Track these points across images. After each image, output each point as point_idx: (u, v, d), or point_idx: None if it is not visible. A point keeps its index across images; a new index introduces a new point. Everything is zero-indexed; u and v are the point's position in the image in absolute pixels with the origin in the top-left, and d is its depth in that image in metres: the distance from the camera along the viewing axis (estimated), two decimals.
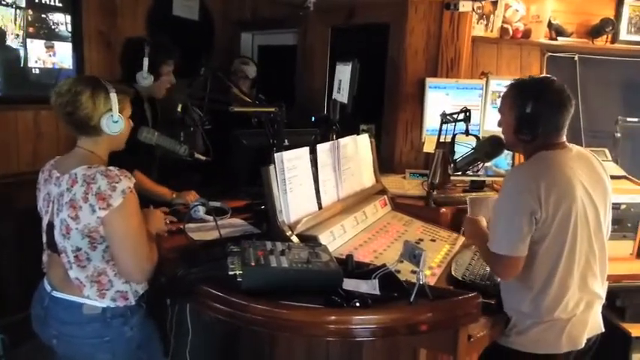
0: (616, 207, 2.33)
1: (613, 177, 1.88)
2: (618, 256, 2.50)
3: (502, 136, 1.92)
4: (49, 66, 3.17)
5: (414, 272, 1.63)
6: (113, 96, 1.62)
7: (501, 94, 1.90)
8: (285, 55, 4.26)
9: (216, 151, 2.30)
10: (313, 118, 3.01)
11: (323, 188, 2.15)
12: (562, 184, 1.65)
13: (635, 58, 3.45)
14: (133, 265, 1.60)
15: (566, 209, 1.63)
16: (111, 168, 1.59)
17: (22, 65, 3.04)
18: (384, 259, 1.91)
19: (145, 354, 1.79)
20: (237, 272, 1.53)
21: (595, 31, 3.44)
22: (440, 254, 2.09)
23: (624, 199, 2.57)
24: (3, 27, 2.92)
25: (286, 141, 2.31)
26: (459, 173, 2.45)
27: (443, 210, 2.63)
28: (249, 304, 1.48)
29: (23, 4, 2.99)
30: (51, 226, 1.65)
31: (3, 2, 2.90)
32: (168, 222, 2.04)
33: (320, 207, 2.13)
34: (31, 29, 3.05)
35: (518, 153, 2.61)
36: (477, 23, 3.34)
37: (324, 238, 1.94)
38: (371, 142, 2.65)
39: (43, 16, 3.10)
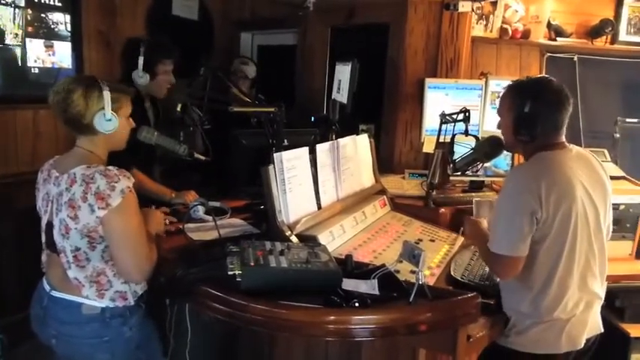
0: (615, 207, 2.33)
1: (612, 177, 1.88)
2: (617, 256, 2.51)
3: (501, 137, 1.92)
4: (49, 65, 3.17)
5: (413, 272, 1.63)
6: (106, 94, 1.61)
7: (500, 95, 1.91)
8: (285, 55, 4.26)
9: (216, 151, 2.30)
10: (313, 118, 3.01)
11: (322, 188, 2.15)
12: (562, 184, 1.65)
13: (635, 58, 3.46)
14: (132, 265, 1.60)
15: (566, 209, 1.64)
16: (110, 168, 1.59)
17: (21, 65, 3.04)
18: (384, 259, 1.91)
19: (144, 354, 1.79)
20: (237, 272, 1.53)
21: (594, 32, 3.44)
22: (439, 254, 2.09)
23: (623, 199, 2.57)
24: (2, 26, 2.91)
25: (286, 141, 2.31)
26: (459, 173, 2.46)
27: (442, 210, 2.63)
28: (248, 304, 1.48)
29: (22, 4, 2.98)
30: (50, 225, 1.65)
31: (2, 2, 2.89)
32: (168, 222, 2.04)
33: (319, 207, 2.12)
34: (30, 29, 3.04)
35: (518, 154, 2.61)
36: (477, 23, 3.34)
37: (323, 238, 1.94)
38: (370, 142, 2.65)
39: (43, 15, 3.10)
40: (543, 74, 3.33)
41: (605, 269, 1.78)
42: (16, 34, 2.99)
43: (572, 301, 1.68)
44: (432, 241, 2.25)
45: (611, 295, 2.43)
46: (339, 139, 2.35)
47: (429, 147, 3.03)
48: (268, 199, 1.91)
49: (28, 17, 3.03)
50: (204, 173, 3.02)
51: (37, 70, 3.11)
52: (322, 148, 2.19)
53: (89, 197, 1.53)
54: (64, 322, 1.65)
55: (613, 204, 1.83)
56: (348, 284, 1.58)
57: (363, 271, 1.69)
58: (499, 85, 3.12)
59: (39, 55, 3.11)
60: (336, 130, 2.64)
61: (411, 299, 1.52)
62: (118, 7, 3.57)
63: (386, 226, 2.33)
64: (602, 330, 1.80)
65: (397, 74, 3.36)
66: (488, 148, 2.11)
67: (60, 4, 3.17)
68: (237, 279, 1.53)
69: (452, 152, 2.44)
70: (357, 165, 2.46)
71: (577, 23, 3.50)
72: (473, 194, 2.88)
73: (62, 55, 3.23)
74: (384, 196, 2.57)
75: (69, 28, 3.24)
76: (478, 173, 2.71)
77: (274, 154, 1.94)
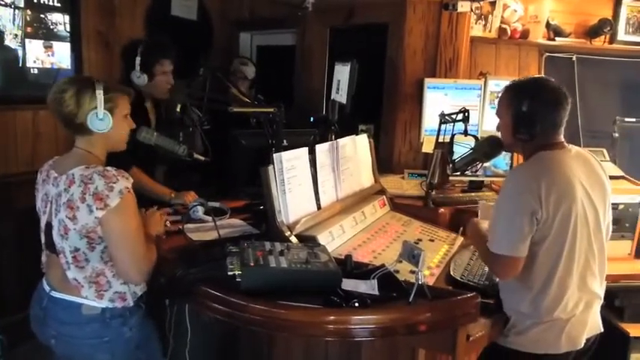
0: (614, 207, 2.33)
1: (611, 177, 1.88)
2: (617, 256, 2.51)
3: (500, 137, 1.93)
4: (48, 66, 3.17)
5: (412, 272, 1.64)
6: (99, 93, 1.61)
7: (498, 97, 1.91)
8: (284, 55, 4.26)
9: (215, 152, 2.30)
10: (312, 119, 3.00)
11: (322, 188, 2.15)
12: (562, 183, 1.66)
13: (633, 58, 3.46)
14: (130, 266, 1.60)
15: (566, 209, 1.64)
16: (108, 168, 1.59)
17: (20, 65, 3.04)
18: (383, 259, 1.91)
19: (143, 354, 1.79)
20: (236, 272, 1.53)
21: (593, 32, 3.44)
22: (439, 254, 2.10)
23: (622, 199, 2.57)
24: (1, 27, 2.92)
25: (285, 141, 2.31)
26: (458, 173, 2.46)
27: (441, 210, 2.63)
28: (248, 305, 1.48)
29: (22, 4, 2.98)
30: (49, 226, 1.65)
31: (1, 2, 2.89)
32: (169, 224, 2.03)
33: (319, 207, 2.13)
34: (29, 29, 3.04)
35: (517, 154, 2.62)
36: (476, 23, 3.34)
37: (322, 238, 1.94)
38: (370, 142, 2.65)
39: (42, 16, 3.10)
40: (542, 74, 3.35)
41: (604, 269, 1.78)
42: (16, 35, 2.99)
43: (572, 301, 1.69)
44: (432, 241, 2.25)
45: (611, 295, 2.44)
46: (338, 140, 2.35)
47: (428, 147, 3.03)
48: (268, 199, 1.91)
49: (27, 18, 3.03)
50: (203, 174, 3.02)
51: (36, 71, 3.11)
52: (322, 149, 2.19)
53: (87, 198, 1.53)
54: (64, 322, 1.66)
55: (612, 203, 1.83)
56: (348, 284, 1.58)
57: (362, 271, 1.69)
58: (498, 85, 3.12)
59: (38, 56, 3.11)
60: (335, 130, 2.64)
61: (410, 299, 1.52)
62: (117, 7, 3.57)
63: (385, 226, 2.33)
64: (602, 330, 1.80)
65: (396, 74, 3.36)
66: (487, 147, 2.11)
67: (59, 5, 3.17)
68: (237, 279, 1.53)
69: (451, 152, 2.44)
70: (356, 165, 2.46)
71: (576, 23, 3.51)
72: (472, 194, 2.89)
73: (61, 56, 3.23)
74: (384, 196, 2.57)
75: (68, 29, 3.24)
76: (477, 173, 2.71)
77: (274, 155, 1.94)
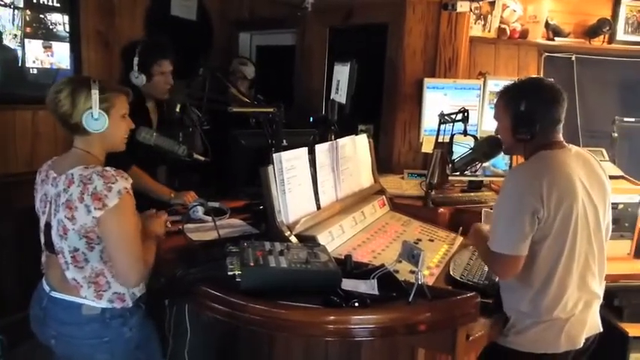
0: (614, 207, 2.33)
1: (610, 177, 1.89)
2: (616, 255, 2.51)
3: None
4: (47, 66, 3.16)
5: (412, 272, 1.64)
6: (94, 93, 1.60)
7: (495, 100, 1.92)
8: (284, 55, 4.26)
9: (215, 152, 2.30)
10: (311, 119, 3.00)
11: (321, 189, 2.16)
12: (563, 182, 1.66)
13: (632, 58, 3.46)
14: (127, 266, 1.59)
15: (567, 208, 1.64)
16: (107, 168, 1.59)
17: (19, 65, 3.03)
18: (383, 259, 1.91)
19: (143, 354, 1.79)
20: (236, 272, 1.53)
21: (592, 32, 3.45)
22: (438, 254, 2.10)
23: (622, 198, 2.58)
24: (1, 27, 2.92)
25: (285, 141, 2.31)
26: (457, 173, 2.46)
27: (441, 210, 2.64)
28: (247, 304, 1.49)
29: (21, 4, 2.98)
30: (48, 226, 1.65)
31: (1, 2, 2.89)
32: (169, 224, 2.02)
33: (318, 207, 2.13)
34: (28, 29, 3.04)
35: (518, 155, 2.62)
36: (475, 23, 3.35)
37: (322, 238, 1.94)
38: (369, 142, 2.65)
39: (41, 16, 3.10)
40: (542, 74, 3.35)
41: (604, 268, 1.79)
42: (15, 35, 2.99)
43: (571, 300, 1.69)
44: (431, 240, 2.26)
45: (610, 295, 2.44)
46: (338, 140, 2.35)
47: (427, 147, 3.04)
48: (267, 199, 1.92)
49: (27, 18, 3.02)
50: (203, 174, 3.02)
51: (35, 71, 3.11)
52: (321, 149, 2.19)
53: (86, 198, 1.53)
54: (64, 322, 1.66)
55: (611, 203, 1.83)
56: (348, 284, 1.58)
57: (362, 271, 1.69)
58: (497, 85, 3.12)
59: (37, 56, 3.10)
60: (334, 130, 2.64)
61: (410, 299, 1.52)
62: (117, 7, 3.57)
63: (385, 226, 2.33)
64: (601, 329, 1.80)
65: (396, 74, 3.36)
66: (486, 147, 2.11)
67: (58, 5, 3.17)
68: (237, 279, 1.53)
69: (451, 152, 2.44)
70: (356, 165, 2.46)
71: (575, 23, 3.51)
72: (472, 194, 2.90)
73: (61, 56, 3.22)
74: (383, 196, 2.57)
75: (67, 29, 3.24)
76: (477, 173, 2.72)
77: (273, 155, 1.94)
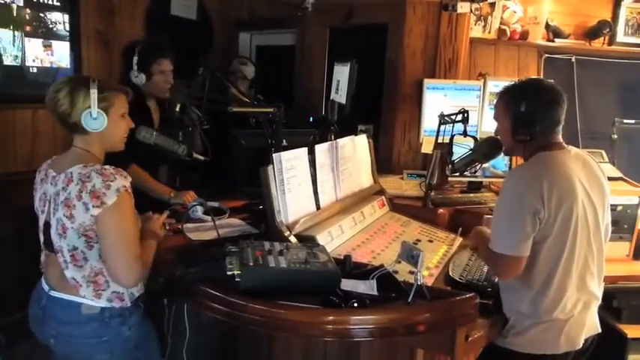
0: (613, 208, 2.32)
1: (610, 178, 1.89)
2: (615, 257, 2.51)
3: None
4: (47, 65, 3.16)
5: (411, 273, 1.63)
6: (92, 92, 1.60)
7: (494, 101, 1.92)
8: (284, 55, 4.26)
9: (215, 151, 2.30)
10: (311, 119, 3.00)
11: (321, 189, 2.16)
12: (563, 183, 1.66)
13: (632, 59, 3.47)
14: (126, 265, 1.58)
15: (567, 209, 1.64)
16: (106, 167, 1.59)
17: (19, 64, 3.03)
18: (382, 259, 1.91)
19: (142, 354, 1.79)
20: (236, 272, 1.53)
21: (592, 33, 3.45)
22: (437, 255, 2.10)
23: (621, 200, 2.58)
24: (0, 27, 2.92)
25: (284, 141, 2.31)
26: (457, 174, 2.46)
27: (440, 211, 2.64)
28: (247, 304, 1.49)
29: (21, 3, 2.98)
30: (47, 225, 1.65)
31: (1, 1, 2.89)
32: (167, 227, 2.01)
33: (318, 207, 2.13)
34: (28, 28, 3.04)
35: (518, 156, 2.62)
36: (475, 24, 3.35)
37: (322, 238, 1.94)
38: (369, 142, 2.65)
39: (41, 15, 3.10)
40: (542, 75, 3.36)
41: (602, 269, 1.79)
42: (15, 35, 2.98)
43: (570, 301, 1.69)
44: (431, 241, 2.26)
45: (609, 296, 2.44)
46: (337, 140, 2.35)
47: (427, 147, 3.04)
48: (267, 199, 1.92)
49: (27, 17, 3.02)
50: (203, 173, 3.02)
51: (35, 70, 3.10)
52: (321, 149, 2.19)
53: (84, 196, 1.53)
54: (63, 321, 1.65)
55: (610, 205, 1.83)
56: (347, 284, 1.58)
57: (361, 271, 1.69)
58: (497, 86, 3.12)
59: (37, 55, 3.10)
60: (334, 130, 2.64)
61: (409, 300, 1.52)
62: (117, 6, 3.57)
63: (384, 226, 2.33)
64: (600, 330, 1.81)
65: (396, 75, 3.36)
66: (486, 148, 2.12)
67: (58, 4, 3.17)
68: (236, 279, 1.53)
69: (450, 153, 2.44)
70: (355, 165, 2.46)
71: (575, 24, 3.52)
72: (471, 195, 2.90)
73: (60, 55, 3.22)
74: (383, 197, 2.57)
75: (67, 28, 3.24)
76: (476, 174, 2.72)
77: (273, 155, 1.94)
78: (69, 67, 3.27)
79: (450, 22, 3.26)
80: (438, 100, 3.14)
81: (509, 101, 1.77)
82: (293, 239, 1.89)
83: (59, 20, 3.19)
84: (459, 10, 3.10)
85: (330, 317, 1.48)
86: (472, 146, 2.31)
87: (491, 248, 1.71)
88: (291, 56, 4.14)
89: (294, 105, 3.95)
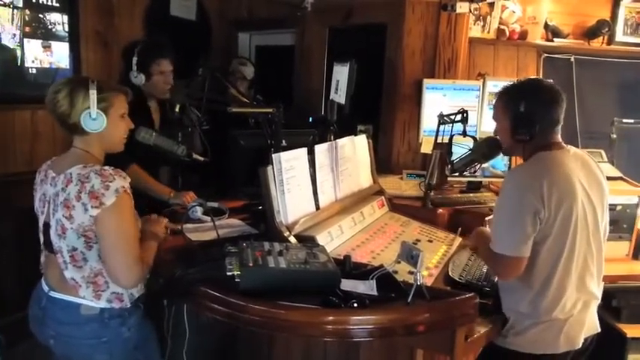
0: (612, 208, 2.33)
1: (609, 178, 1.89)
2: (614, 257, 2.51)
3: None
4: (46, 66, 3.17)
5: (411, 273, 1.63)
6: (92, 93, 1.60)
7: (494, 101, 1.92)
8: (283, 55, 4.26)
9: (214, 152, 2.30)
10: (311, 119, 3.01)
11: (321, 189, 2.16)
12: (563, 183, 1.66)
13: (631, 59, 3.47)
14: (125, 266, 1.58)
15: (567, 209, 1.64)
16: (105, 167, 1.59)
17: (19, 65, 3.03)
18: (382, 259, 1.91)
19: (141, 355, 1.79)
20: (235, 273, 1.53)
21: (591, 33, 3.46)
22: (437, 255, 2.10)
23: (620, 200, 2.58)
24: (0, 27, 2.91)
25: (284, 141, 2.31)
26: (456, 174, 2.46)
27: (440, 211, 2.64)
28: (247, 305, 1.49)
29: (20, 4, 2.98)
30: (47, 226, 1.65)
31: (0, 2, 2.89)
32: (169, 232, 2.01)
33: (318, 208, 2.13)
34: (28, 29, 3.04)
35: (517, 156, 2.63)
36: (474, 24, 3.35)
37: (321, 238, 1.94)
38: (368, 142, 2.65)
39: (40, 15, 3.10)
40: (541, 75, 3.36)
41: (602, 269, 1.79)
42: (14, 35, 2.98)
43: (570, 301, 1.69)
44: (430, 241, 2.26)
45: (608, 296, 2.43)
46: (337, 140, 2.35)
47: (426, 148, 3.04)
48: (267, 199, 1.92)
49: (26, 18, 3.03)
50: (202, 174, 3.02)
51: (34, 71, 3.11)
52: (320, 149, 2.19)
53: (83, 196, 1.53)
54: (62, 322, 1.65)
55: (610, 205, 1.84)
56: (347, 285, 1.58)
57: (361, 271, 1.69)
58: (496, 85, 3.12)
59: (37, 56, 3.11)
60: (334, 130, 2.64)
61: (409, 300, 1.52)
62: (116, 7, 3.57)
63: (384, 226, 2.33)
64: (599, 330, 1.81)
65: (395, 75, 3.36)
66: (486, 148, 2.12)
67: (57, 5, 3.17)
68: (236, 279, 1.53)
69: (450, 153, 2.44)
70: (355, 165, 2.46)
71: (574, 24, 3.52)
72: (471, 195, 2.90)
73: (60, 56, 3.23)
74: (382, 197, 2.57)
75: (66, 29, 3.24)
76: (476, 174, 2.72)
77: (273, 155, 1.94)
78: (68, 67, 3.28)
79: (449, 22, 3.26)
80: (438, 100, 3.14)
81: (509, 101, 1.77)
82: (293, 239, 1.89)
83: (58, 21, 3.20)
84: (458, 10, 3.11)
85: (330, 317, 1.48)
86: (471, 146, 2.31)
87: (491, 249, 1.71)
88: (291, 56, 4.14)
89: (293, 105, 3.95)
